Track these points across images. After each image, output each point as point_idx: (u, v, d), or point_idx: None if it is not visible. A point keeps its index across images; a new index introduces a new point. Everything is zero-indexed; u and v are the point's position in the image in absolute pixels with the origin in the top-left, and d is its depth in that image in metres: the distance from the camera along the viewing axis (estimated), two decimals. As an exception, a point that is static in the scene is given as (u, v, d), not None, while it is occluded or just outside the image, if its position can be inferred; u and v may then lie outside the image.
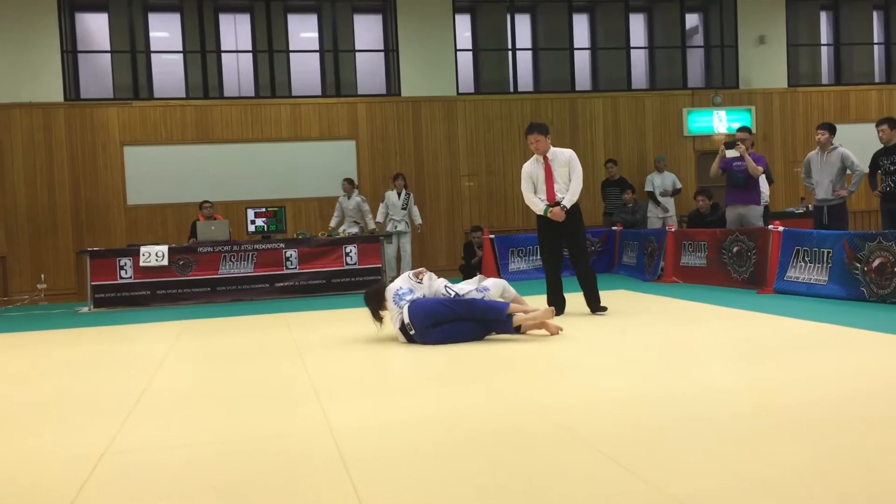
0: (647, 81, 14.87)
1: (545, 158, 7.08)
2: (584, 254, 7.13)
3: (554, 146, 7.23)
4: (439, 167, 13.63)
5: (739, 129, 9.62)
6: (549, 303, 6.90)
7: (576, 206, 7.05)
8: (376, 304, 5.99)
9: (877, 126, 8.88)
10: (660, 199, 13.23)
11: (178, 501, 2.66)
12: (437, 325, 5.58)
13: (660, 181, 13.30)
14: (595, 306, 7.07)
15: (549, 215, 6.97)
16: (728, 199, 9.58)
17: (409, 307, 5.66)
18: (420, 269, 6.19)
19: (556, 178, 7.01)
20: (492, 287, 6.04)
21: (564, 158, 7.06)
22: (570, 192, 6.99)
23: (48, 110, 12.44)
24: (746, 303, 7.43)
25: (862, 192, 13.33)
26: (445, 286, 5.95)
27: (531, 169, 7.16)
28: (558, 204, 6.95)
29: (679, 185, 13.38)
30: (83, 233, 12.42)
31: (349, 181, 12.10)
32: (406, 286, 5.87)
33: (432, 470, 2.86)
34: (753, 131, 14.44)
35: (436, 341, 5.58)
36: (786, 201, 14.42)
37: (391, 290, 5.90)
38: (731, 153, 9.25)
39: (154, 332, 7.49)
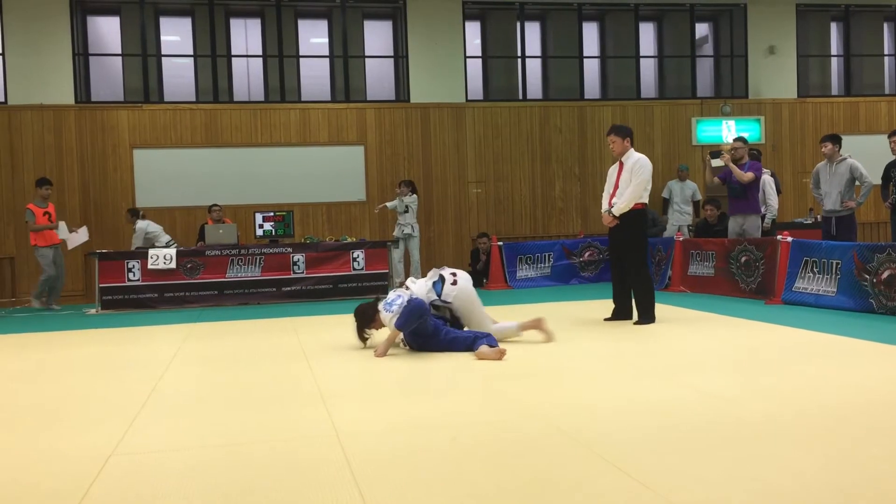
0: (656, 90, 14.86)
1: (621, 161, 7.05)
2: (632, 263, 6.99)
3: (636, 150, 7.12)
4: (447, 173, 13.64)
5: (735, 140, 9.74)
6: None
7: (634, 215, 6.93)
8: (363, 322, 5.97)
9: (889, 137, 8.87)
10: (680, 208, 13.16)
11: (184, 503, 2.67)
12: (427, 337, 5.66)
13: (679, 189, 13.27)
14: (638, 317, 7.00)
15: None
16: (729, 209, 9.69)
17: (403, 336, 5.70)
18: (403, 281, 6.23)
19: (621, 182, 6.97)
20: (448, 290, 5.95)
21: (629, 164, 6.95)
22: (621, 198, 6.91)
23: (59, 112, 12.50)
24: (754, 313, 7.41)
25: (871, 204, 13.29)
26: (433, 297, 5.93)
27: (610, 170, 7.23)
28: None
29: (699, 197, 13.35)
30: (92, 235, 12.44)
31: (130, 211, 11.86)
32: (393, 295, 5.91)
33: (437, 473, 2.86)
34: (763, 142, 14.44)
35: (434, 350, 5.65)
36: (795, 212, 14.38)
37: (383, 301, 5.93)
38: (716, 162, 9.31)
39: (161, 334, 7.51)
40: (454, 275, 6.00)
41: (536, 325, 6.02)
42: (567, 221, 14.01)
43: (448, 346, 5.60)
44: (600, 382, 4.48)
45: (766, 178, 9.85)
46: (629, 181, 6.89)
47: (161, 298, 10.12)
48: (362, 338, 5.97)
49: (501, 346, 5.46)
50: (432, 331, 5.63)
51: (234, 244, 10.55)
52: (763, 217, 9.73)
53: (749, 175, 9.14)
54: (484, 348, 5.34)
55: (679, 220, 13.12)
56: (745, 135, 14.20)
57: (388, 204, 12.14)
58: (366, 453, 3.13)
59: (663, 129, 14.40)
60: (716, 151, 9.48)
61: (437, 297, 5.88)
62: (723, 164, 9.21)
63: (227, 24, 13.42)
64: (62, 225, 10.81)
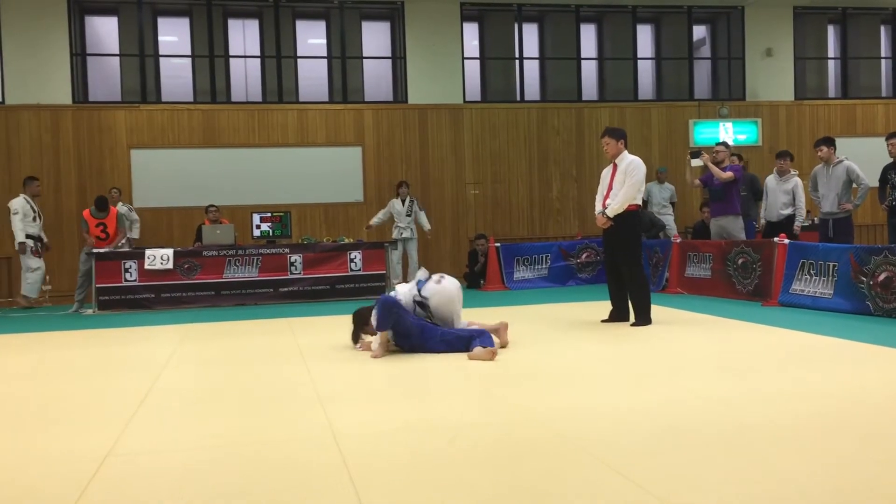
0: (653, 92, 14.88)
1: (614, 163, 7.06)
2: (627, 265, 6.97)
3: (630, 153, 7.13)
4: (445, 175, 13.65)
5: (717, 144, 9.80)
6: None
7: (627, 216, 6.92)
8: (359, 325, 5.98)
9: (886, 140, 8.89)
10: (659, 212, 13.14)
11: (180, 505, 2.66)
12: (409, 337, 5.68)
13: (658, 191, 13.26)
14: (634, 319, 6.98)
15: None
16: (711, 212, 9.74)
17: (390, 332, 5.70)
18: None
19: (614, 184, 6.98)
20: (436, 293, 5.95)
21: (623, 166, 6.96)
22: (615, 199, 6.91)
23: (56, 112, 12.49)
24: (751, 315, 7.41)
25: (868, 206, 13.33)
26: (413, 298, 5.92)
27: (604, 172, 7.24)
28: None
29: (676, 199, 13.36)
30: (89, 235, 12.42)
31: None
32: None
33: (434, 477, 2.86)
34: (760, 144, 14.46)
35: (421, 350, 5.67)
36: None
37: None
38: (695, 162, 9.37)
39: (158, 335, 7.50)
40: (443, 277, 6.04)
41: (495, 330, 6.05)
42: (564, 223, 14.01)
43: (445, 347, 5.59)
44: (599, 385, 4.48)
45: (797, 181, 9.68)
46: (623, 183, 6.90)
47: (158, 299, 10.10)
48: (355, 340, 5.99)
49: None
50: (418, 331, 5.64)
51: (232, 245, 10.54)
52: (792, 218, 9.61)
53: (728, 174, 9.18)
54: (477, 349, 5.34)
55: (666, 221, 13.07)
56: (743, 136, 14.27)
57: (373, 221, 12.11)
58: (363, 456, 3.13)
59: (661, 131, 14.41)
60: (695, 152, 9.53)
61: (417, 293, 5.91)
62: (702, 163, 9.28)
63: (225, 24, 13.41)
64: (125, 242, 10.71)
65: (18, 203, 10.74)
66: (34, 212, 10.85)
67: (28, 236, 10.67)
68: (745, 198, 9.95)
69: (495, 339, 5.94)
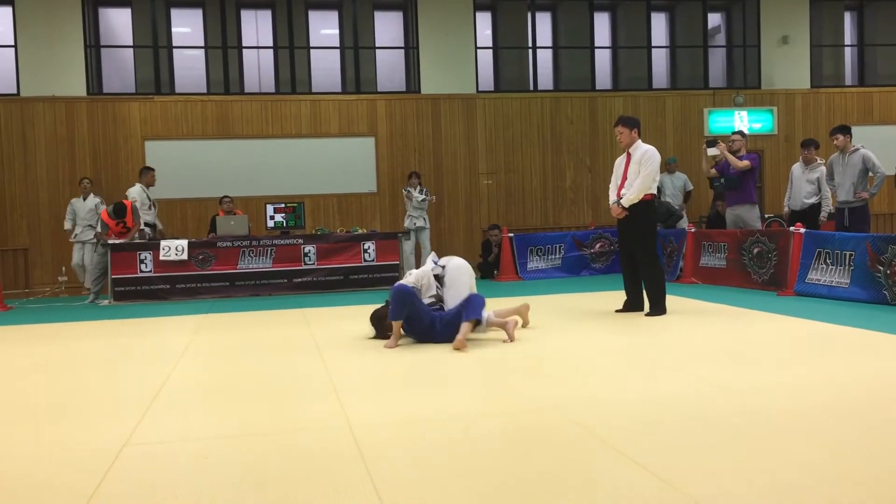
0: (668, 81, 14.78)
1: (628, 152, 7.03)
2: (643, 255, 6.95)
3: (644, 142, 7.09)
4: (458, 165, 13.63)
5: (733, 133, 9.71)
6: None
7: (642, 206, 6.89)
8: (380, 328, 6.02)
9: None
10: (670, 201, 13.03)
11: (197, 494, 2.68)
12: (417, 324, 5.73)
13: (669, 182, 13.13)
14: (649, 309, 6.97)
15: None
16: (727, 201, 9.66)
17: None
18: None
19: (629, 173, 6.94)
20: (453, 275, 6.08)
21: (637, 155, 6.92)
22: (631, 189, 6.87)
23: (71, 104, 12.55)
24: (766, 305, 7.38)
25: (884, 195, 13.22)
26: (432, 270, 6.03)
27: (617, 162, 7.21)
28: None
29: (690, 187, 13.21)
30: (104, 226, 12.50)
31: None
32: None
33: (450, 467, 2.87)
34: (775, 132, 14.35)
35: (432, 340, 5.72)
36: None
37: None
38: (711, 151, 9.32)
39: (173, 325, 7.54)
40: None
41: (517, 311, 6.20)
42: (578, 213, 13.98)
43: (448, 330, 5.59)
44: (613, 375, 4.47)
45: (824, 170, 9.50)
46: (638, 172, 6.86)
47: (173, 290, 10.16)
48: (377, 337, 6.04)
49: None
50: (429, 320, 5.65)
51: (246, 235, 10.58)
52: (816, 207, 9.52)
53: (745, 163, 9.12)
54: (456, 341, 5.36)
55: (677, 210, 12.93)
56: (759, 125, 14.16)
57: (415, 194, 12.03)
58: (378, 445, 3.14)
59: (675, 120, 14.33)
60: (711, 140, 9.48)
61: (434, 265, 6.01)
62: (718, 152, 9.22)
63: (238, 15, 13.42)
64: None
65: (136, 192, 10.88)
66: (150, 200, 11.06)
67: (144, 224, 10.73)
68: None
69: (518, 319, 6.02)
